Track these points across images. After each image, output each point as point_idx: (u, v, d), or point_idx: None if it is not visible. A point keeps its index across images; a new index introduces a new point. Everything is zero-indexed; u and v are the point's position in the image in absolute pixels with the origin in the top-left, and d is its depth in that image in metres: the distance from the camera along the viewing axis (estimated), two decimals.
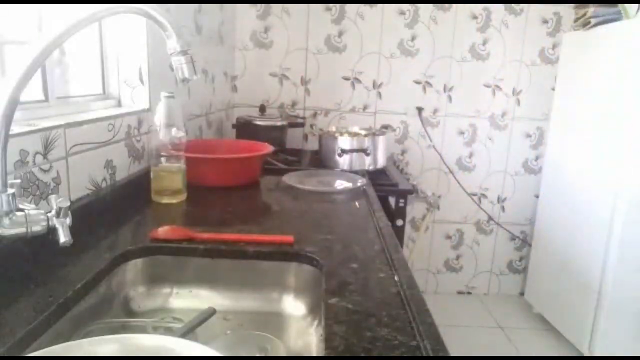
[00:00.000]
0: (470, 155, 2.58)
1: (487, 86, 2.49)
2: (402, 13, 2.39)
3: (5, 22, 0.87)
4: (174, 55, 0.72)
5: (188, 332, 0.69)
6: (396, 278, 0.74)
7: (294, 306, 0.84)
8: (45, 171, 0.80)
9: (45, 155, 0.80)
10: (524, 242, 2.69)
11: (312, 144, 2.44)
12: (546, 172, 2.44)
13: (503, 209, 2.66)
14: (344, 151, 1.83)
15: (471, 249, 2.70)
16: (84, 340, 0.47)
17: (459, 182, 2.60)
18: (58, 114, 0.98)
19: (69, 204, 0.64)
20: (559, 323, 2.26)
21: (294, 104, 2.49)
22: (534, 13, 2.41)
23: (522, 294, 2.70)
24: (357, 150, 1.84)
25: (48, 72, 0.98)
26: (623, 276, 1.91)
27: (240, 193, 1.25)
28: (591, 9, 2.10)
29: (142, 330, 0.73)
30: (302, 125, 2.23)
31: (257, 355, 0.72)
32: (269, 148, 1.39)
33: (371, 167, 1.85)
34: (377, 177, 1.80)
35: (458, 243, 2.70)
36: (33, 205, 0.65)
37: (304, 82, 2.46)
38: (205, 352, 0.46)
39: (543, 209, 2.45)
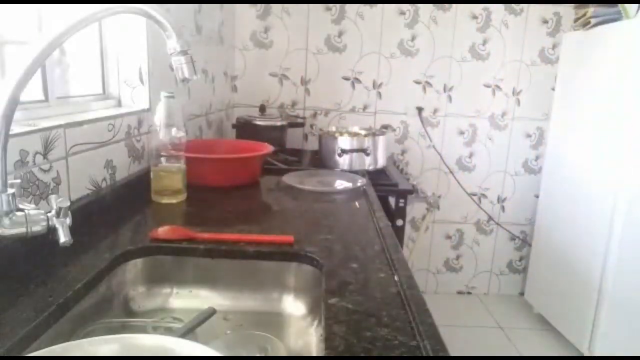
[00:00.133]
0: (470, 155, 2.58)
1: (487, 86, 2.49)
2: (402, 13, 2.39)
3: (5, 22, 0.87)
4: (174, 55, 0.72)
5: (188, 332, 0.69)
6: (396, 278, 0.74)
7: (294, 306, 0.84)
8: (45, 171, 0.80)
9: (45, 155, 0.80)
10: (524, 242, 2.69)
11: (312, 144, 2.44)
12: (546, 172, 2.44)
13: (503, 209, 2.66)
14: (344, 151, 1.83)
15: (471, 249, 2.70)
16: (84, 340, 0.47)
17: (459, 182, 2.60)
18: (58, 114, 0.98)
19: (69, 204, 0.64)
20: (559, 323, 2.26)
21: (294, 104, 2.49)
22: (534, 13, 2.41)
23: (522, 294, 2.70)
24: (357, 150, 1.84)
25: (48, 72, 0.98)
26: (623, 276, 1.91)
27: (240, 193, 1.25)
28: (591, 9, 2.10)
29: (142, 330, 0.73)
30: (302, 125, 2.23)
31: (257, 355, 0.72)
32: (269, 148, 1.39)
33: (371, 167, 1.85)
34: (377, 177, 1.80)
35: (458, 243, 2.70)
36: (33, 205, 0.65)
37: (304, 82, 2.46)
38: (205, 352, 0.46)
39: (543, 209, 2.45)
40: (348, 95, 2.48)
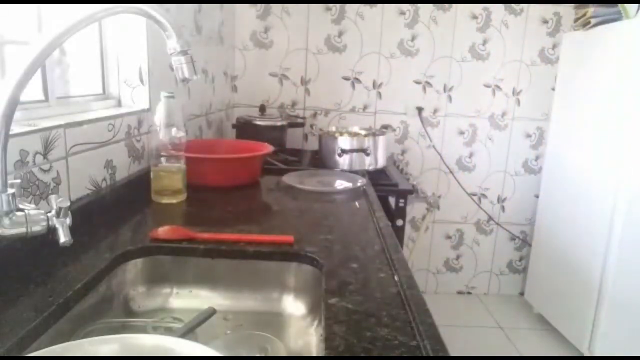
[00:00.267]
0: (470, 155, 2.58)
1: (487, 86, 2.49)
2: (402, 13, 2.39)
3: (5, 22, 0.87)
4: (174, 55, 0.72)
5: (188, 332, 0.69)
6: (396, 278, 0.74)
7: (294, 306, 0.84)
8: (45, 171, 0.80)
9: (45, 155, 0.80)
10: (524, 242, 2.69)
11: (312, 144, 2.44)
12: (546, 172, 2.44)
13: (503, 209, 2.66)
14: (344, 151, 1.83)
15: (471, 249, 2.70)
16: (84, 340, 0.47)
17: (459, 182, 2.60)
18: (58, 114, 0.98)
19: (69, 204, 0.64)
20: (559, 323, 2.26)
21: (294, 104, 2.49)
22: (534, 13, 2.41)
23: (522, 294, 2.70)
24: (357, 150, 1.84)
25: (48, 72, 0.98)
26: (623, 276, 1.91)
27: (240, 193, 1.25)
28: (591, 9, 2.10)
29: (142, 330, 0.73)
30: (302, 125, 2.23)
31: (257, 355, 0.72)
32: (269, 148, 1.39)
33: (371, 167, 1.85)
34: (377, 177, 1.80)
35: (458, 243, 2.70)
36: (33, 205, 0.65)
37: (304, 82, 2.46)
38: (205, 352, 0.46)
39: (543, 209, 2.45)
40: (348, 95, 2.48)
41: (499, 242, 2.70)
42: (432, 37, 2.42)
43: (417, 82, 2.48)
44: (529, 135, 2.57)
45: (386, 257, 0.83)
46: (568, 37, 2.29)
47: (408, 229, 2.63)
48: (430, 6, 2.39)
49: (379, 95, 2.49)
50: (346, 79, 2.47)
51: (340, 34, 2.41)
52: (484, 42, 2.44)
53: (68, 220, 0.64)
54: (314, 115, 2.50)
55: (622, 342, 1.96)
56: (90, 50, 1.18)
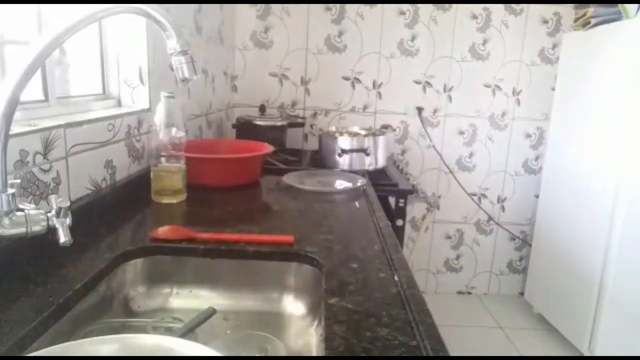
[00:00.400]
0: (470, 155, 2.58)
1: (487, 86, 2.49)
2: (402, 13, 2.39)
3: (5, 22, 0.87)
4: (174, 55, 0.72)
5: (188, 332, 0.69)
6: (396, 278, 0.74)
7: (294, 306, 0.84)
8: (45, 171, 0.80)
9: (45, 155, 0.80)
10: (524, 242, 2.69)
11: (312, 144, 2.44)
12: (546, 172, 2.44)
13: (503, 209, 2.66)
14: (344, 151, 1.83)
15: (471, 249, 2.70)
16: (84, 340, 0.47)
17: (459, 182, 2.60)
18: (58, 114, 0.98)
19: (69, 204, 0.64)
20: (559, 323, 2.26)
21: (294, 104, 2.49)
22: (534, 13, 2.41)
23: (522, 294, 2.70)
24: (357, 150, 1.84)
25: (48, 72, 0.98)
26: (623, 276, 1.91)
27: (240, 193, 1.25)
28: (591, 9, 2.10)
29: (142, 330, 0.73)
30: (302, 125, 2.23)
31: (257, 355, 0.72)
32: (269, 148, 1.39)
33: (371, 167, 1.85)
34: (377, 177, 1.80)
35: (458, 243, 2.70)
36: (33, 205, 0.65)
37: (304, 82, 2.46)
38: (205, 352, 0.46)
39: (543, 209, 2.45)
40: (348, 95, 2.48)
41: (499, 242, 2.70)
42: (432, 37, 2.42)
43: (417, 82, 2.48)
44: (529, 135, 2.57)
45: (386, 257, 0.83)
46: (568, 37, 2.29)
47: (408, 229, 2.63)
48: (430, 6, 2.39)
49: (379, 95, 2.49)
50: (346, 79, 2.47)
51: (340, 34, 2.41)
52: (484, 42, 2.44)
53: (68, 220, 0.64)
54: (314, 115, 2.50)
55: (622, 342, 1.96)
56: (90, 50, 1.18)
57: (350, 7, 2.38)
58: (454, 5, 2.39)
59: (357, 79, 2.47)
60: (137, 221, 0.96)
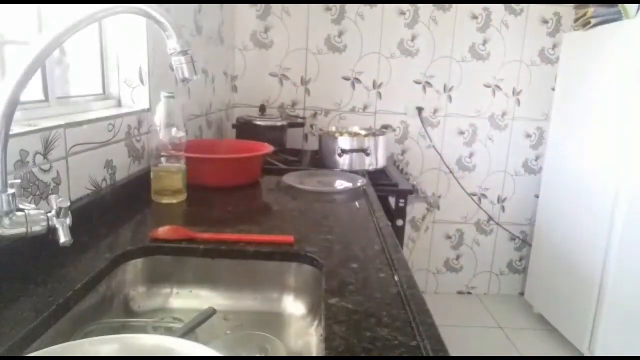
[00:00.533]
0: (470, 155, 2.58)
1: (487, 86, 2.49)
2: (402, 13, 2.39)
3: (5, 22, 0.87)
4: (174, 55, 0.72)
5: (188, 332, 0.69)
6: (396, 278, 0.74)
7: (294, 306, 0.84)
8: (45, 171, 0.80)
9: (45, 155, 0.80)
10: (524, 242, 2.69)
11: (312, 144, 2.44)
12: (546, 172, 2.44)
13: (503, 209, 2.66)
14: (344, 151, 1.83)
15: (471, 249, 2.70)
16: (84, 340, 0.47)
17: (459, 182, 2.60)
18: (58, 114, 0.98)
19: (69, 204, 0.64)
20: (559, 323, 2.26)
21: (294, 104, 2.49)
22: (534, 13, 2.41)
23: (522, 294, 2.70)
24: (357, 150, 1.84)
25: (48, 72, 0.98)
26: (623, 276, 1.91)
27: (240, 193, 1.25)
28: (591, 9, 2.10)
29: (142, 330, 0.73)
30: (302, 125, 2.23)
31: (257, 355, 0.72)
32: (269, 148, 1.39)
33: (371, 167, 1.85)
34: (377, 177, 1.80)
35: (458, 243, 2.70)
36: (33, 205, 0.65)
37: (304, 82, 2.46)
38: (205, 352, 0.46)
39: (543, 209, 2.45)
40: (348, 95, 2.48)
41: (499, 242, 2.70)
42: (432, 37, 2.42)
43: (417, 82, 2.48)
44: (529, 135, 2.57)
45: (386, 257, 0.83)
46: (568, 37, 2.29)
47: (408, 229, 2.63)
48: (430, 6, 2.39)
49: (379, 95, 2.49)
50: (346, 79, 2.47)
51: (340, 34, 2.41)
52: (484, 42, 2.44)
53: (68, 220, 0.64)
54: (314, 115, 2.50)
55: (622, 342, 1.96)
56: (90, 50, 1.18)
57: (350, 7, 2.38)
58: (454, 5, 2.39)
59: (357, 79, 2.47)
60: (137, 221, 0.96)
